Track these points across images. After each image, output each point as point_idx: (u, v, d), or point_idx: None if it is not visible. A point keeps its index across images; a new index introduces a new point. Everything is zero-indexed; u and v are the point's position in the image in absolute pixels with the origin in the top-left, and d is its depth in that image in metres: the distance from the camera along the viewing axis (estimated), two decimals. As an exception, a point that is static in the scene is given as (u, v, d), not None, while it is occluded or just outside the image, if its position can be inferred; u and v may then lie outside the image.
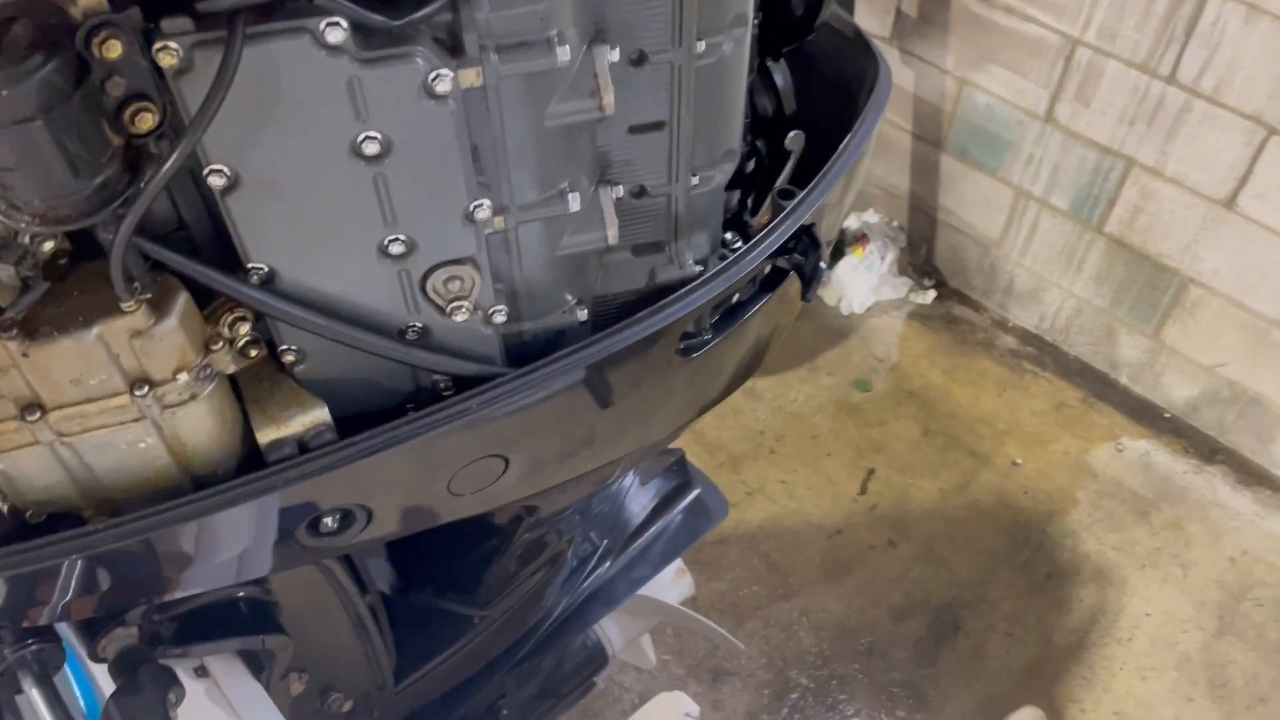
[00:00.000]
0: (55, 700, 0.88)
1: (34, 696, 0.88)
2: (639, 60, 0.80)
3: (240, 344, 0.81)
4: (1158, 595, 2.68)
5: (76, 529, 0.75)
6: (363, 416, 0.86)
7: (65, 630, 0.96)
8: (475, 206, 0.76)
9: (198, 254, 0.77)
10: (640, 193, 0.90)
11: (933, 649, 2.58)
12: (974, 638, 2.61)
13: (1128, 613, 2.65)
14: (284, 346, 0.81)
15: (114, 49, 0.60)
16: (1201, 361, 2.90)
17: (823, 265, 0.95)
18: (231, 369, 0.76)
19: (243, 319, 0.77)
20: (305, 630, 1.11)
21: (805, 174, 1.03)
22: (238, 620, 1.03)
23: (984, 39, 2.84)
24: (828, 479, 2.91)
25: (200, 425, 0.76)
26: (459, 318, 0.82)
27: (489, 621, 1.56)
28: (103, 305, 0.70)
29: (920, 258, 3.40)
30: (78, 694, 1.10)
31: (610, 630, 1.99)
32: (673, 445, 2.09)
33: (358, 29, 0.65)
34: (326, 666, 1.20)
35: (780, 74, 1.06)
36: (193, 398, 0.73)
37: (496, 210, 0.79)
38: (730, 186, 1.05)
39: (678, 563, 2.04)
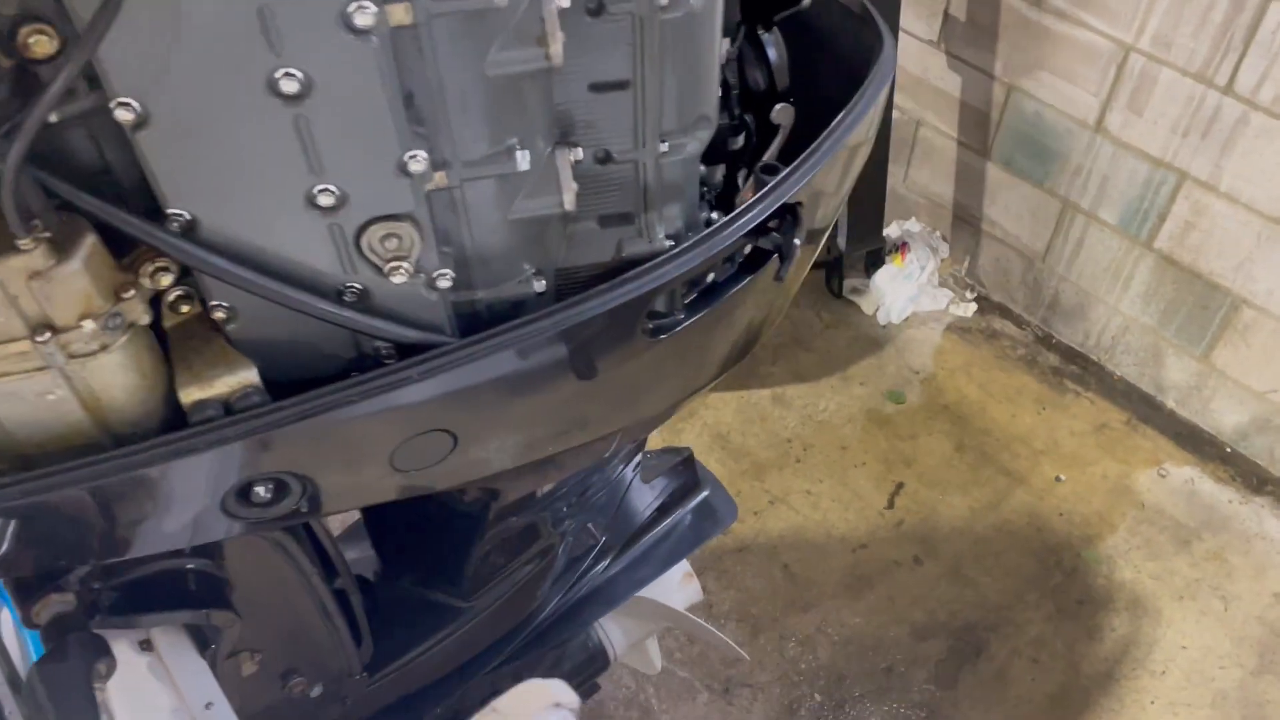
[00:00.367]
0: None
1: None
2: (597, 10, 0.75)
3: (171, 298, 0.78)
4: (1195, 628, 2.56)
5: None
6: (307, 382, 0.82)
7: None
8: (409, 158, 0.71)
9: (124, 200, 0.73)
10: (605, 158, 0.84)
11: (954, 671, 2.49)
12: (998, 662, 2.51)
13: (1162, 645, 2.53)
14: (213, 303, 0.77)
15: (2, -38, 0.56)
16: (1253, 387, 2.77)
17: (797, 243, 0.88)
18: (146, 319, 0.72)
19: (165, 269, 0.73)
20: (258, 610, 1.07)
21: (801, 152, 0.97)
22: (183, 593, 0.99)
23: (1034, 44, 2.74)
24: (854, 491, 2.83)
25: (115, 379, 0.72)
26: (397, 279, 0.77)
27: (475, 613, 1.51)
28: (-1, 242, 0.67)
29: (962, 269, 3.30)
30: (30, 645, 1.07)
31: (613, 631, 1.93)
32: (687, 446, 2.03)
33: (270, -47, 0.61)
34: (286, 649, 1.16)
35: (774, 45, 1.00)
36: (103, 348, 0.69)
37: (437, 165, 0.74)
38: (716, 161, 0.99)
39: (685, 567, 1.98)
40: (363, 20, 0.63)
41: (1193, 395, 2.92)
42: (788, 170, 0.91)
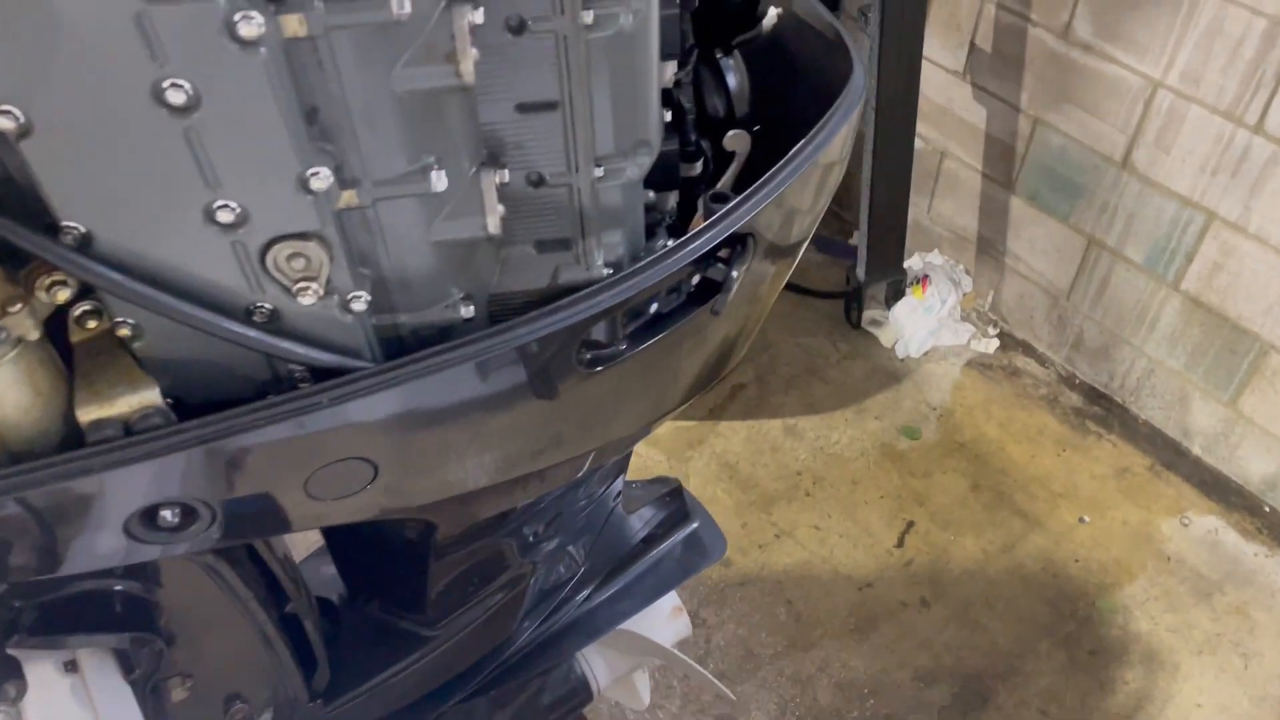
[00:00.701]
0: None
1: None
2: (519, 27, 0.72)
3: (77, 313, 0.75)
4: (1213, 685, 2.46)
5: None
6: (223, 404, 0.79)
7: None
8: (311, 174, 0.68)
9: (26, 210, 0.71)
10: (539, 181, 0.81)
11: (957, 720, 2.41)
12: (1004, 712, 2.42)
13: (1177, 701, 2.44)
14: (117, 319, 0.74)
15: None
16: (1282, 435, 2.68)
17: (735, 275, 0.84)
18: (34, 334, 0.70)
19: (62, 283, 0.71)
20: (190, 634, 1.04)
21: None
22: (108, 615, 0.97)
23: (1060, 77, 2.68)
24: (863, 528, 2.76)
25: (4, 396, 0.70)
26: (305, 300, 0.74)
27: (441, 641, 1.47)
28: None
29: (985, 303, 3.23)
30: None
31: (596, 664, 1.89)
32: (675, 477, 1.99)
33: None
34: (225, 674, 1.13)
35: (734, 70, 0.96)
36: (-11, 363, 0.67)
37: (346, 183, 0.71)
38: (669, 187, 0.96)
39: (675, 600, 1.93)
40: (248, 31, 0.60)
41: (1219, 442, 2.83)
42: (736, 200, 0.87)
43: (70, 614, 0.96)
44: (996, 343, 3.17)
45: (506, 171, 0.78)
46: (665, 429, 2.93)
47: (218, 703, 1.16)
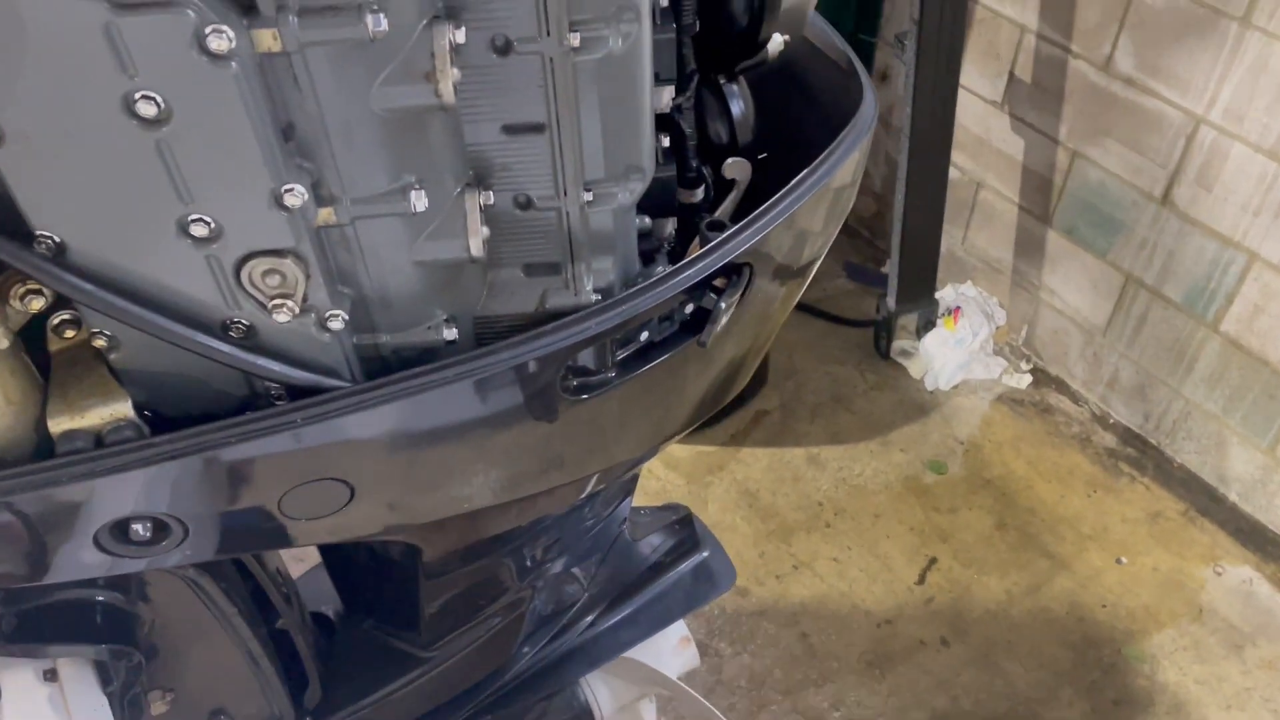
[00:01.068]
0: None
1: None
2: (504, 48, 0.71)
3: (55, 322, 0.75)
4: (1241, 741, 2.39)
5: None
6: (200, 418, 0.78)
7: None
8: (285, 191, 0.67)
9: (2, 219, 0.70)
10: (526, 204, 0.80)
11: (972, 765, 2.35)
12: (1021, 759, 2.37)
13: (1202, 756, 2.37)
14: (93, 330, 0.74)
15: None
16: (1321, 485, 2.60)
17: (724, 306, 0.82)
18: (3, 343, 0.69)
19: (36, 292, 0.70)
20: (172, 647, 1.03)
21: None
22: (89, 625, 0.96)
23: (1101, 110, 2.64)
24: (884, 563, 2.72)
25: (-28, 403, 0.69)
26: (281, 318, 0.73)
27: (437, 663, 1.46)
28: None
29: (1019, 338, 3.18)
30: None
31: (600, 691, 1.86)
32: (685, 505, 1.96)
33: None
34: (208, 689, 1.12)
35: (738, 97, 0.94)
36: (-44, 371, 0.66)
37: (323, 200, 0.70)
38: (663, 213, 0.94)
39: (683, 630, 1.90)
40: (219, 45, 0.59)
41: (1257, 489, 2.75)
42: (732, 230, 0.85)
43: (50, 623, 0.95)
44: (1029, 378, 3.11)
45: (492, 193, 0.76)
46: (685, 454, 2.90)
47: (201, 717, 1.15)
